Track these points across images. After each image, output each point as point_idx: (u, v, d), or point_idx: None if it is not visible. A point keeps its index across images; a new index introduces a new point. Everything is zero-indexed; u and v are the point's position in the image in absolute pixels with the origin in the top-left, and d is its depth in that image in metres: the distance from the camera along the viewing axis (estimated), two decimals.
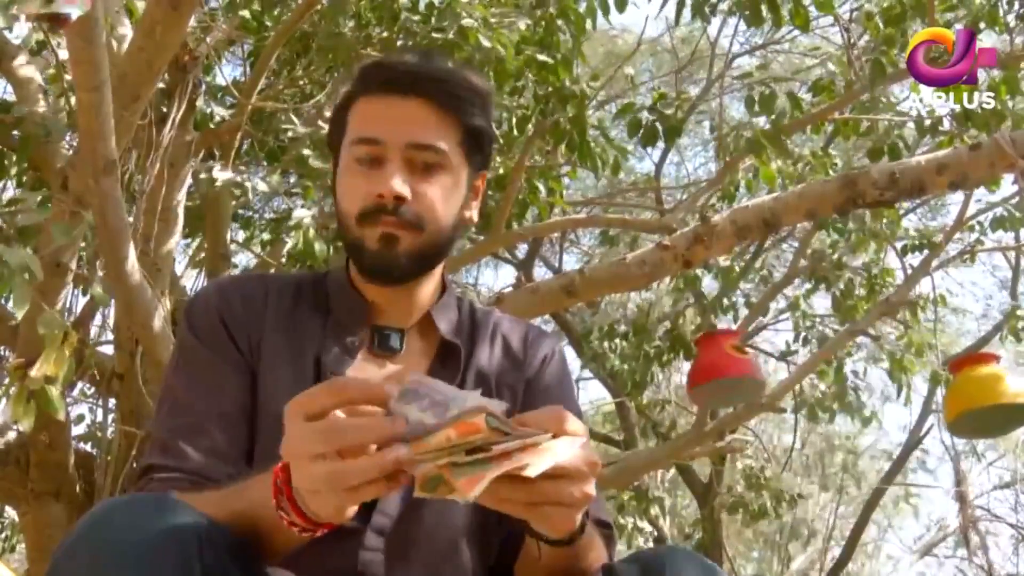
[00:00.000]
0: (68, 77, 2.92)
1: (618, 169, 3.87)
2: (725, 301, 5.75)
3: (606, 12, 3.61)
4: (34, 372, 2.01)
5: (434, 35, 3.09)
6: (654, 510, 5.97)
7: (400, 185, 1.03)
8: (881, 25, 3.59)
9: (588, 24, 3.52)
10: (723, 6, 3.31)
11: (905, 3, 3.46)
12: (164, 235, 3.19)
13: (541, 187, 3.90)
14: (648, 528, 5.98)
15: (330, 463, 0.73)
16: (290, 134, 3.01)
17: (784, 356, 6.42)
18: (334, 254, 3.08)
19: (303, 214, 2.91)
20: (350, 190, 1.06)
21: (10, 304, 3.06)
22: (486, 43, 3.00)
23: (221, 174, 2.79)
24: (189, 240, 4.14)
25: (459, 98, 1.06)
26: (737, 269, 5.81)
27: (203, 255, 3.65)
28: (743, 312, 6.09)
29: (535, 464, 0.72)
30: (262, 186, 2.82)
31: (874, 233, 4.48)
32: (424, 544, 1.03)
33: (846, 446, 10.20)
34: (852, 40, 3.78)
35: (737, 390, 3.66)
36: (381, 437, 0.73)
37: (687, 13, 3.44)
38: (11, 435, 3.17)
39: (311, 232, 2.88)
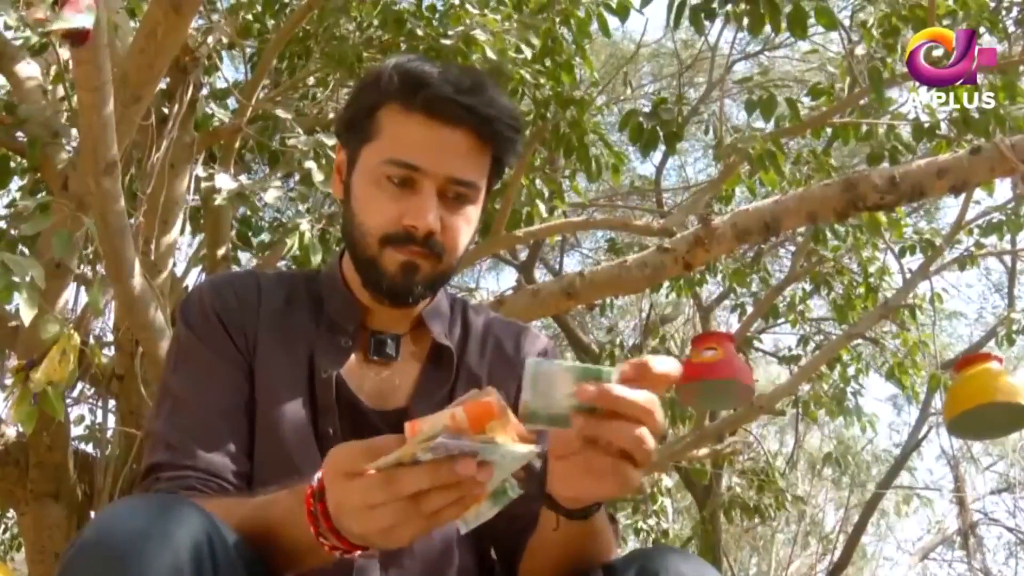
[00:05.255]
0: (70, 77, 2.92)
1: (618, 174, 3.87)
2: (732, 301, 5.74)
3: (605, 31, 3.62)
4: (38, 375, 2.00)
5: (441, 41, 3.10)
6: (652, 521, 5.96)
7: (435, 221, 1.02)
8: (876, 35, 3.60)
9: (593, 26, 3.53)
10: (726, 8, 3.31)
11: (901, 15, 3.47)
12: (164, 236, 3.19)
13: (541, 200, 3.90)
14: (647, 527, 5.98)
15: (400, 502, 0.73)
16: (291, 142, 3.00)
17: (788, 361, 6.45)
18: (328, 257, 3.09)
19: (302, 219, 2.92)
20: (376, 209, 1.04)
21: (11, 308, 3.08)
22: (490, 53, 3.01)
23: (225, 183, 2.78)
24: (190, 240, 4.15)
25: (500, 134, 1.04)
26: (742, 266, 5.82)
27: (203, 254, 3.65)
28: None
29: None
30: (268, 197, 2.81)
31: (872, 228, 4.47)
32: (419, 549, 1.03)
33: (844, 447, 10.22)
34: (851, 46, 3.79)
35: (726, 393, 3.64)
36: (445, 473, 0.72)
37: (686, 18, 3.45)
38: (11, 436, 3.17)
39: (307, 238, 2.88)
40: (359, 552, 0.80)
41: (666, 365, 0.77)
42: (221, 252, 3.52)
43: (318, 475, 0.80)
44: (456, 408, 0.71)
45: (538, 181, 4.03)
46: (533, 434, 0.75)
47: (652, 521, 5.97)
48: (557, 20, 3.46)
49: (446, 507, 0.73)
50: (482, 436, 0.70)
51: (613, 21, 3.64)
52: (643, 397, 0.76)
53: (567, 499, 0.86)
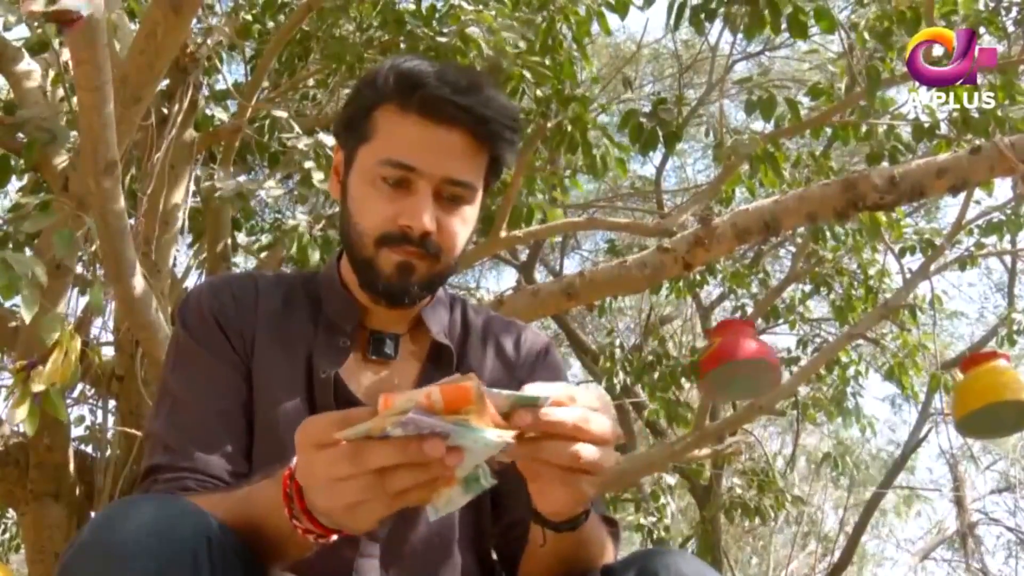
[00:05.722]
0: (70, 78, 2.92)
1: (624, 166, 3.87)
2: (732, 302, 5.74)
3: (605, 28, 3.62)
4: (40, 377, 2.00)
5: (437, 39, 3.10)
6: (653, 517, 5.96)
7: (430, 221, 1.01)
8: (867, 37, 3.61)
9: (594, 26, 3.53)
10: (724, 7, 3.32)
11: (893, 19, 3.47)
12: (165, 236, 3.19)
13: (542, 194, 3.90)
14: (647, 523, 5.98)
15: (366, 477, 0.72)
16: (291, 142, 3.01)
17: (787, 362, 6.45)
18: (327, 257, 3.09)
19: (300, 219, 2.92)
20: (372, 209, 1.04)
21: (8, 304, 3.08)
22: (487, 50, 3.01)
23: (224, 183, 2.78)
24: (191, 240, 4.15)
25: (497, 134, 1.04)
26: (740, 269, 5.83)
27: (204, 256, 3.65)
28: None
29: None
30: (267, 195, 2.81)
31: (871, 230, 4.47)
32: (419, 549, 1.04)
33: (844, 447, 10.24)
34: (851, 44, 3.79)
35: (752, 376, 3.54)
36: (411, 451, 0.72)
37: (686, 18, 3.46)
38: (10, 434, 3.17)
39: (305, 238, 2.89)
40: (333, 536, 0.80)
41: (550, 389, 0.77)
42: (219, 250, 3.53)
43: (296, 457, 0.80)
44: (433, 387, 0.70)
45: (539, 180, 4.02)
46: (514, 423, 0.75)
47: (653, 518, 5.96)
48: (556, 18, 3.46)
49: (413, 488, 0.73)
50: (455, 418, 0.70)
51: (613, 20, 3.66)
52: (573, 415, 0.77)
53: (549, 514, 0.88)
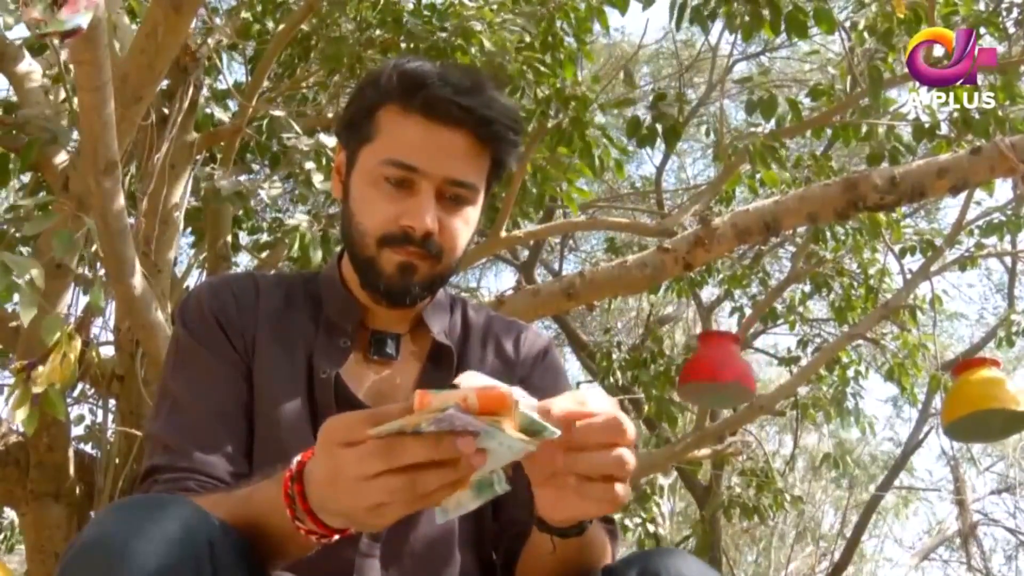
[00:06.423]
0: (70, 78, 2.92)
1: (621, 168, 3.87)
2: (732, 303, 5.75)
3: (605, 24, 3.62)
4: (39, 377, 2.00)
5: (438, 36, 3.10)
6: (640, 517, 5.96)
7: (432, 222, 1.02)
8: (867, 37, 3.62)
9: (594, 26, 3.53)
10: (724, 6, 3.32)
11: (893, 20, 3.48)
12: (165, 236, 3.19)
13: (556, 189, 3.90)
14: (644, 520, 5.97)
15: (395, 476, 0.71)
16: (291, 142, 3.00)
17: (787, 362, 6.46)
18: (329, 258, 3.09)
19: (301, 219, 2.92)
20: (374, 209, 1.04)
21: (11, 307, 3.08)
22: (488, 45, 3.01)
23: (225, 183, 2.78)
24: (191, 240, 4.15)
25: (499, 135, 1.04)
26: (738, 272, 5.84)
27: (204, 256, 3.65)
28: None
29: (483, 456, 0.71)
30: (267, 195, 2.81)
31: (871, 231, 4.47)
32: (419, 549, 1.03)
33: (843, 448, 10.25)
34: (852, 44, 3.79)
35: (726, 393, 3.69)
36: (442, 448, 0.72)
37: (687, 18, 3.46)
38: (11, 435, 3.17)
39: (307, 238, 2.89)
40: (336, 536, 0.80)
41: (563, 404, 0.78)
42: (219, 250, 3.52)
43: (297, 458, 0.80)
44: (470, 391, 0.70)
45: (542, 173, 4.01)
46: (544, 439, 0.75)
47: (643, 516, 5.95)
48: (555, 15, 3.46)
49: (439, 489, 0.72)
50: (488, 419, 0.70)
51: (612, 21, 3.66)
52: (600, 423, 0.77)
53: (559, 521, 0.87)
